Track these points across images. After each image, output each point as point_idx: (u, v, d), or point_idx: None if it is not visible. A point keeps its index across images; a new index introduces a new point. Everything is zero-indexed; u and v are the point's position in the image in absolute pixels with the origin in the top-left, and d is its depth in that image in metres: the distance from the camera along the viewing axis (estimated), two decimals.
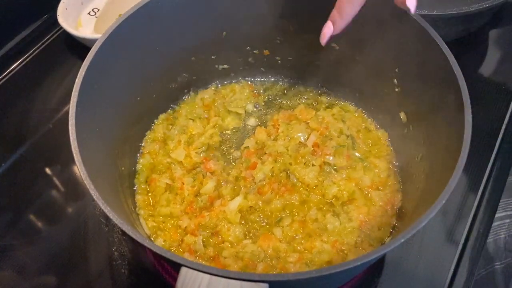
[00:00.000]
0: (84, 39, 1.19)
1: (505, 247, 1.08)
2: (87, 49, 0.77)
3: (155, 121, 1.03)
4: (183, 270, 0.55)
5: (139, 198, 0.92)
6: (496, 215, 1.11)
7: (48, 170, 1.05)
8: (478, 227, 0.94)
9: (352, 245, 0.84)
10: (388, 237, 0.85)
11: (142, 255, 0.91)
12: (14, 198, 1.01)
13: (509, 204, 1.11)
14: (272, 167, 0.93)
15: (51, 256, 0.92)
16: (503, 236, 1.09)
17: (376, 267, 0.89)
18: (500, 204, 1.11)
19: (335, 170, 0.93)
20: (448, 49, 0.75)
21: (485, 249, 1.10)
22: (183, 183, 0.92)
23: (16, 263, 0.91)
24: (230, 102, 1.07)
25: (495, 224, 1.11)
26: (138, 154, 0.99)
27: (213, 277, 0.54)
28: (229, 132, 1.03)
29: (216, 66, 1.07)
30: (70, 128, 0.69)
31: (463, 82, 0.72)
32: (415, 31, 0.79)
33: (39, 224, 0.98)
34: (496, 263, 1.07)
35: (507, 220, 1.10)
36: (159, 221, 0.89)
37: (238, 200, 0.89)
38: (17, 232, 0.96)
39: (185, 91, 1.08)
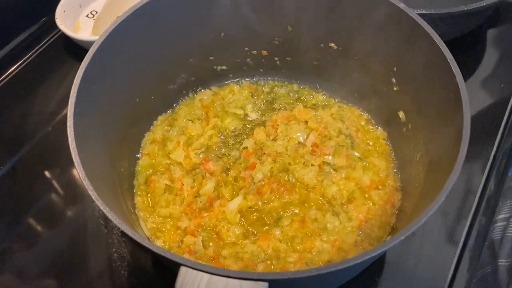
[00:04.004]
0: (82, 41, 1.19)
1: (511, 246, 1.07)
2: (86, 51, 0.78)
3: (154, 122, 1.03)
4: (183, 269, 0.55)
5: (138, 199, 0.92)
6: (503, 216, 1.11)
7: (47, 173, 1.05)
8: (478, 227, 0.94)
9: (352, 245, 0.84)
10: (388, 236, 0.85)
11: (141, 256, 0.90)
12: (13, 201, 1.01)
13: None
14: (271, 167, 0.93)
15: (50, 258, 0.92)
16: (510, 235, 1.08)
17: (377, 267, 0.89)
18: (507, 204, 1.11)
19: (334, 169, 0.93)
20: (446, 47, 0.76)
21: (492, 247, 1.10)
22: (183, 184, 0.92)
23: (16, 266, 0.91)
24: (229, 103, 1.07)
25: (502, 224, 1.11)
26: (137, 156, 0.98)
27: (213, 276, 0.54)
28: (228, 132, 1.02)
29: (215, 67, 1.07)
30: (68, 129, 0.69)
31: (462, 81, 0.72)
32: (413, 30, 0.80)
33: (39, 227, 0.97)
34: (502, 261, 1.07)
35: None
36: (158, 222, 0.89)
37: (237, 201, 0.88)
38: (16, 235, 0.96)
39: (184, 92, 1.08)
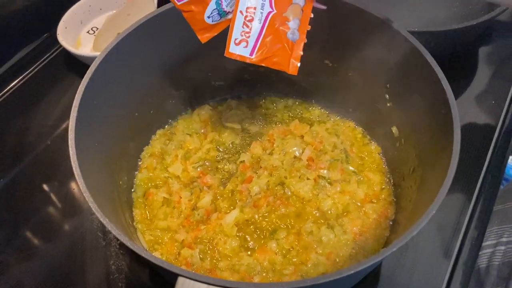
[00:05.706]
0: (83, 57, 1.21)
1: (497, 274, 1.08)
2: (86, 67, 0.79)
3: (153, 136, 1.05)
4: (180, 280, 0.56)
5: (136, 212, 0.94)
6: (490, 242, 1.12)
7: (45, 186, 1.06)
8: (471, 240, 0.95)
9: (347, 257, 0.85)
10: (382, 248, 0.86)
11: (139, 268, 0.91)
12: (11, 214, 1.01)
13: (505, 230, 1.12)
14: (268, 181, 0.94)
15: (48, 271, 0.92)
16: (496, 263, 1.09)
17: (372, 280, 0.90)
18: (493, 230, 1.12)
19: (329, 183, 0.94)
20: (437, 65, 0.78)
21: (478, 274, 1.11)
22: (181, 197, 0.93)
23: (13, 279, 0.91)
24: (227, 117, 1.08)
25: (489, 250, 1.12)
26: (136, 169, 1.00)
27: (210, 286, 0.55)
28: (225, 146, 1.04)
29: (213, 82, 1.09)
30: (69, 142, 0.70)
31: (452, 97, 0.74)
32: (405, 48, 0.82)
33: (36, 240, 0.98)
34: None
35: (502, 247, 1.10)
36: (156, 235, 0.90)
37: (234, 214, 0.90)
38: (14, 248, 0.96)
39: (182, 107, 1.09)
